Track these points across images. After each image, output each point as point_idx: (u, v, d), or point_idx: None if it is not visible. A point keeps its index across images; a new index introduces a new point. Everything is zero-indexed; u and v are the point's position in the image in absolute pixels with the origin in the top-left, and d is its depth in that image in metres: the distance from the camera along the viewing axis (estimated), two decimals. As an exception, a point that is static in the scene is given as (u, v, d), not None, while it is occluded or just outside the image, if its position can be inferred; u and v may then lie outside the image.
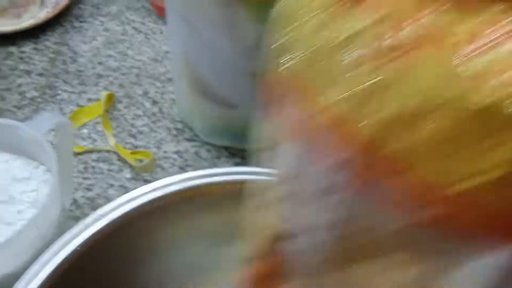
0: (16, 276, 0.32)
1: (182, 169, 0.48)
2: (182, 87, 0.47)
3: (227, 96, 0.43)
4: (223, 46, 0.39)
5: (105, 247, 0.30)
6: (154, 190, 0.32)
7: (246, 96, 0.43)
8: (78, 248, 0.29)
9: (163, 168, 0.48)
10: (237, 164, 0.49)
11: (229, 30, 0.38)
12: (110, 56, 0.58)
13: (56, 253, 0.28)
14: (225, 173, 0.32)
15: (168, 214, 0.32)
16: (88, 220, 0.29)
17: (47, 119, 0.36)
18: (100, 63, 0.57)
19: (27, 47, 0.58)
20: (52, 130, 0.37)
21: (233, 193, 0.30)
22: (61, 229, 0.35)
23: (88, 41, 0.60)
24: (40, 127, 0.35)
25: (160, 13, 0.63)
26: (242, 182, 0.30)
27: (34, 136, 0.35)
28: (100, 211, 0.29)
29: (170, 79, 0.56)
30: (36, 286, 0.27)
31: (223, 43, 0.38)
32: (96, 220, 0.29)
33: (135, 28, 0.62)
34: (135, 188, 0.45)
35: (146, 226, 0.31)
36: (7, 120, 0.36)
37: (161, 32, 0.62)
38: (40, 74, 0.55)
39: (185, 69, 0.44)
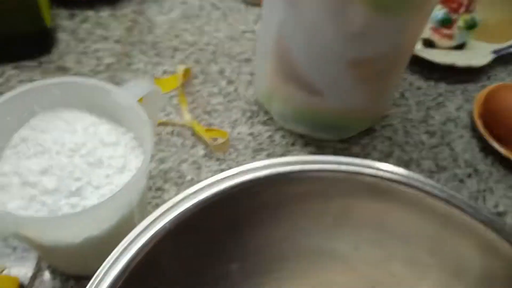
0: (100, 239, 0.32)
1: (256, 152, 0.46)
2: (265, 68, 0.45)
3: (315, 82, 0.41)
4: (325, 29, 0.37)
5: (197, 224, 0.29)
6: (250, 171, 0.31)
7: (335, 85, 0.41)
8: (167, 225, 0.27)
9: (236, 149, 0.46)
10: (312, 153, 0.47)
11: (335, 14, 0.35)
12: (186, 30, 0.57)
13: (150, 227, 0.27)
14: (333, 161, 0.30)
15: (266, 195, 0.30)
16: (181, 196, 0.28)
17: (141, 85, 0.35)
18: (176, 36, 0.56)
19: (105, 13, 0.57)
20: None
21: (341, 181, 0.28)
22: (142, 198, 0.34)
23: (165, 12, 0.59)
24: (133, 92, 0.34)
25: (239, -9, 0.61)
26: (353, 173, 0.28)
27: (128, 102, 0.34)
28: (200, 185, 0.28)
29: (247, 60, 0.54)
30: (131, 255, 0.26)
31: (326, 27, 0.36)
32: (195, 195, 0.28)
33: (213, 4, 0.61)
34: (208, 165, 0.45)
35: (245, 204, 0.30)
36: (100, 82, 0.34)
37: (239, 11, 0.61)
38: (117, 41, 0.54)
39: (275, 49, 0.42)
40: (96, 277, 0.24)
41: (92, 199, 0.31)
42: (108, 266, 0.25)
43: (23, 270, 0.36)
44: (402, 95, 0.54)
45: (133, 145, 0.35)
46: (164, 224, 0.26)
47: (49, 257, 0.35)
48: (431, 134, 0.51)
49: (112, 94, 0.34)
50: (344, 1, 0.34)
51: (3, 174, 0.32)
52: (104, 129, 0.34)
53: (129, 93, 0.34)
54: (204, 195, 0.28)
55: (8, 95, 0.33)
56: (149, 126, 0.32)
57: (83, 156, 0.32)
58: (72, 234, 0.31)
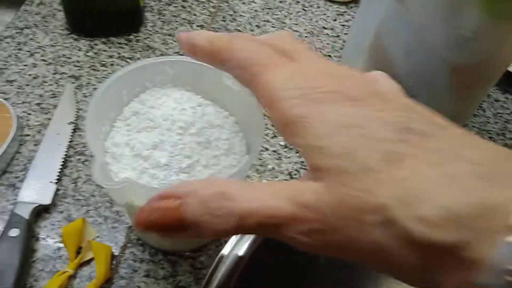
0: None
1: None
2: (356, 65, 0.45)
3: (410, 85, 0.41)
4: (434, 32, 0.36)
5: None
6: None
7: (431, 89, 0.41)
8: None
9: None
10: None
11: (448, 16, 0.35)
12: (268, 21, 0.57)
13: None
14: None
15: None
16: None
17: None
18: (258, 26, 0.56)
19: (189, -3, 0.58)
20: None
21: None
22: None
23: (247, 2, 0.59)
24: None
25: (321, -13, 0.61)
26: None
27: (238, 85, 0.34)
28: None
29: (325, 56, 0.54)
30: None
31: (435, 29, 0.36)
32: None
33: (292, -2, 0.61)
34: (288, 156, 0.45)
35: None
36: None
37: (318, 7, 0.61)
38: (201, 26, 0.55)
39: (370, 47, 0.42)
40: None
41: (200, 177, 0.32)
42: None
43: (114, 240, 0.37)
44: (480, 106, 0.54)
45: (235, 129, 0.35)
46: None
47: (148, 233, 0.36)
48: (510, 147, 0.50)
49: (224, 77, 0.35)
50: (460, 4, 0.34)
51: (116, 145, 0.32)
52: (210, 111, 0.35)
53: None
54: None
55: (123, 70, 0.33)
56: (260, 114, 0.33)
57: (192, 135, 0.33)
58: None
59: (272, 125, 0.47)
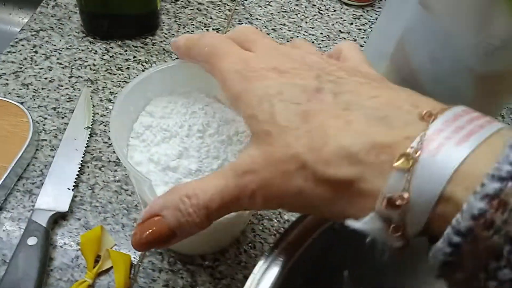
0: (232, 219, 0.32)
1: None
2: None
3: (433, 94, 0.40)
4: (462, 40, 0.35)
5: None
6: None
7: (454, 99, 0.40)
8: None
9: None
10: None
11: (478, 25, 0.34)
12: (284, 24, 0.57)
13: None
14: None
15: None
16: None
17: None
18: (274, 30, 0.56)
19: (205, 0, 0.58)
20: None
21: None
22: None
23: (263, 5, 0.59)
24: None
25: (337, -10, 0.60)
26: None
27: None
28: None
29: (345, 60, 0.54)
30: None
31: (464, 38, 0.35)
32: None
33: (308, 1, 0.61)
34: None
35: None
36: None
37: (334, 10, 0.60)
38: (217, 29, 0.54)
39: (392, 55, 0.42)
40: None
41: None
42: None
43: (132, 249, 0.36)
44: (500, 114, 0.53)
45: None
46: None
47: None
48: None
49: None
50: (490, 12, 0.33)
51: (138, 163, 0.32)
52: (219, 107, 0.34)
53: None
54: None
55: (130, 85, 0.32)
56: None
57: (212, 136, 0.32)
58: None
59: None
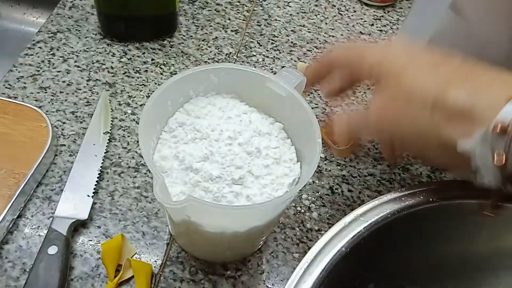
0: (259, 228, 0.31)
1: (376, 161, 0.44)
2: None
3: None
4: (497, 45, 0.34)
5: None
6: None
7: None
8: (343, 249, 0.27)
9: (356, 156, 0.45)
10: (433, 169, 0.45)
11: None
12: (303, 26, 0.55)
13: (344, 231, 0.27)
14: None
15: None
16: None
17: (294, 74, 0.34)
18: (293, 31, 0.55)
19: (223, 0, 0.57)
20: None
21: None
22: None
23: (281, 5, 0.57)
24: (289, 81, 0.33)
25: (358, -10, 0.59)
26: None
27: (286, 90, 0.32)
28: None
29: (366, 63, 0.52)
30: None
31: (498, 42, 0.34)
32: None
33: (328, 1, 0.59)
34: (328, 169, 0.43)
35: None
36: (257, 69, 0.33)
37: (355, 11, 0.59)
38: (235, 31, 0.53)
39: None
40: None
41: (253, 188, 0.30)
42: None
43: (153, 258, 0.36)
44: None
45: (282, 136, 0.34)
46: (340, 248, 0.26)
47: (196, 244, 0.35)
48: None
49: (268, 82, 0.33)
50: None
51: (164, 158, 0.31)
52: (256, 118, 0.34)
53: (285, 82, 0.33)
54: (373, 217, 0.28)
55: (170, 81, 0.32)
56: (314, 117, 0.31)
57: (241, 145, 0.31)
58: (239, 224, 0.30)
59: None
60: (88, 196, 0.37)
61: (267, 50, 0.52)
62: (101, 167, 0.39)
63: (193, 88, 0.34)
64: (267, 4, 0.57)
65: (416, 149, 0.31)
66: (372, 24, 0.57)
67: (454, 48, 0.37)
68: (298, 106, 0.32)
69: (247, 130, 0.32)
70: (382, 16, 0.59)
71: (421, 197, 0.30)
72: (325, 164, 0.43)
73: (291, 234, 0.38)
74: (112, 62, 0.47)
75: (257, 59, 0.51)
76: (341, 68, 0.34)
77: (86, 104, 0.44)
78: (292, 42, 0.53)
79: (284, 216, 0.39)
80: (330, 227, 0.39)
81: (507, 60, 0.35)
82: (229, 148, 0.31)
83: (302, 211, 0.40)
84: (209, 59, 0.50)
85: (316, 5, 0.58)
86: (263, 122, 0.34)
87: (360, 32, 0.56)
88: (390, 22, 0.58)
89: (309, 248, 0.29)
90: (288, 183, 0.31)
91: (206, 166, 0.30)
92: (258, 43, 0.52)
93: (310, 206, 0.40)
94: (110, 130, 0.42)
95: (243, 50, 0.51)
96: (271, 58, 0.51)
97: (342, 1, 0.60)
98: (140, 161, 0.41)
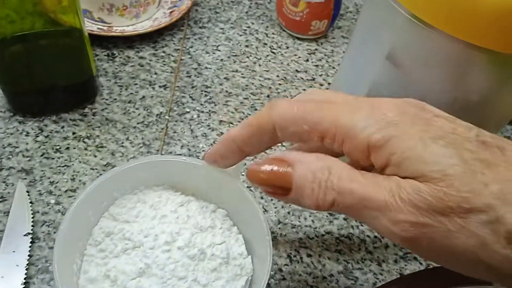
0: None
1: (331, 215, 0.42)
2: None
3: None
4: (438, 96, 0.32)
5: None
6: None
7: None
8: None
9: (311, 213, 0.42)
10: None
11: (455, 83, 0.31)
12: (236, 71, 0.52)
13: None
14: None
15: None
16: None
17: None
18: (226, 79, 0.51)
19: (146, 52, 0.52)
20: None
21: None
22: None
23: (210, 50, 0.54)
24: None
25: (287, 26, 0.56)
26: None
27: (220, 171, 0.29)
28: None
29: (307, 105, 0.50)
30: None
31: (439, 94, 0.32)
32: None
33: (258, 40, 0.56)
34: (283, 233, 0.40)
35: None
36: (188, 158, 0.30)
37: (287, 47, 0.56)
38: (164, 86, 0.49)
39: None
40: None
41: None
42: None
43: None
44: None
45: (228, 225, 0.30)
46: None
47: None
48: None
49: (202, 169, 0.29)
50: (468, 70, 0.30)
51: (92, 280, 0.27)
52: (195, 210, 0.30)
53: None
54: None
55: (88, 189, 0.28)
56: (256, 205, 0.28)
57: (182, 249, 0.27)
58: None
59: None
60: (13, 320, 0.32)
61: (201, 104, 0.48)
62: (25, 278, 0.34)
63: (117, 188, 0.29)
64: (194, 51, 0.53)
65: (465, 271, 0.21)
66: (307, 60, 0.55)
67: (394, 97, 0.35)
68: (239, 193, 0.29)
69: (186, 228, 0.28)
70: (316, 49, 0.57)
71: None
72: (279, 228, 0.40)
73: None
74: (27, 143, 0.42)
75: (192, 116, 0.47)
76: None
77: (0, 200, 0.38)
78: (226, 91, 0.50)
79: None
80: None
81: (450, 110, 0.33)
82: (168, 255, 0.27)
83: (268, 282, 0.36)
84: (138, 123, 0.45)
85: (247, 46, 0.55)
86: (203, 213, 0.30)
87: (296, 70, 0.53)
88: (325, 55, 0.56)
89: None
90: (241, 285, 0.27)
91: (143, 283, 0.26)
92: (190, 97, 0.48)
93: (269, 282, 0.37)
94: (32, 228, 0.36)
95: (175, 108, 0.47)
96: (207, 113, 0.47)
97: (273, 38, 0.57)
98: (72, 262, 0.35)
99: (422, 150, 0.19)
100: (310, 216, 0.41)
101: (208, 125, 0.46)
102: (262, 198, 0.41)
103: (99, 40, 0.51)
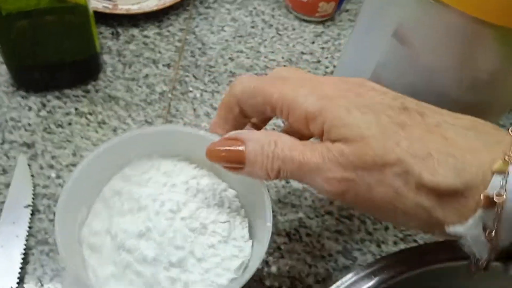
0: None
1: (332, 197, 0.42)
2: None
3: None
4: (446, 75, 0.32)
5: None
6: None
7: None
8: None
9: (313, 193, 0.41)
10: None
11: (463, 61, 0.31)
12: (241, 51, 0.52)
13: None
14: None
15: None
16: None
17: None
18: (231, 59, 0.51)
19: (150, 31, 0.52)
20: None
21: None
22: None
23: (215, 31, 0.53)
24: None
25: (294, 7, 0.56)
26: None
27: None
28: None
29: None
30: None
31: (448, 73, 0.32)
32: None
33: (264, 21, 0.56)
34: (283, 212, 0.40)
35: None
36: (205, 133, 0.30)
37: (293, 29, 0.56)
38: (167, 65, 0.49)
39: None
40: None
41: (194, 273, 0.26)
42: None
43: None
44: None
45: (235, 206, 0.30)
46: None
47: None
48: None
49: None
50: (476, 48, 0.30)
51: (95, 233, 0.27)
52: (206, 185, 0.30)
53: None
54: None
55: (106, 145, 0.28)
56: (266, 195, 0.27)
57: (184, 219, 0.27)
58: None
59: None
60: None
61: (204, 84, 0.48)
62: (24, 248, 0.34)
63: (134, 151, 0.30)
64: (199, 31, 0.53)
65: (386, 219, 0.26)
66: (313, 42, 0.54)
67: (402, 77, 0.35)
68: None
69: (193, 201, 0.28)
70: (323, 32, 0.56)
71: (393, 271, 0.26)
72: (279, 208, 0.40)
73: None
74: (29, 118, 0.42)
75: (195, 95, 0.46)
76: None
77: (1, 173, 0.38)
78: (230, 72, 0.49)
79: (240, 277, 0.35)
80: (291, 283, 0.36)
81: (458, 88, 0.33)
82: (170, 223, 0.27)
83: (260, 267, 0.36)
84: (140, 100, 0.45)
85: (253, 27, 0.55)
86: (213, 190, 0.30)
87: (302, 52, 0.53)
88: (332, 38, 0.55)
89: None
90: (235, 267, 0.27)
91: (141, 245, 0.26)
92: (194, 76, 0.48)
93: (267, 260, 0.37)
94: (33, 201, 0.37)
95: (178, 87, 0.47)
96: (210, 92, 0.47)
97: (279, 19, 0.56)
98: (71, 235, 0.36)
99: (346, 117, 0.23)
100: (310, 196, 0.41)
101: (211, 105, 0.46)
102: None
103: (104, 18, 0.51)
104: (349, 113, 0.23)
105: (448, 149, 0.21)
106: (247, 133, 0.25)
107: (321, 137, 0.24)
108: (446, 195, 0.21)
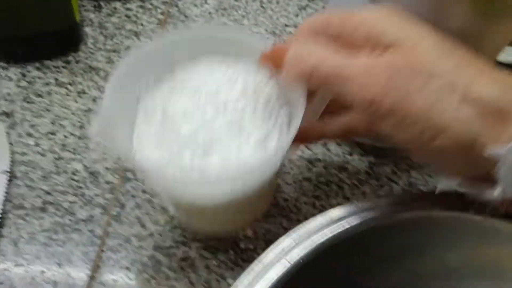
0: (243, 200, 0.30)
1: (311, 163, 0.42)
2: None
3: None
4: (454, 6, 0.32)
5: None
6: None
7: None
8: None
9: (290, 160, 0.42)
10: (371, 164, 0.42)
11: (435, 17, 0.31)
12: (224, 24, 0.52)
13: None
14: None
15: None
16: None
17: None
18: (213, 31, 0.51)
19: (133, 4, 0.52)
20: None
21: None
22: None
23: (199, 3, 0.53)
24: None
25: (278, -21, 0.56)
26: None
27: None
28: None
29: (293, 58, 0.49)
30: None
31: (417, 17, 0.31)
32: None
33: (248, -6, 0.56)
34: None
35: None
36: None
37: (277, 2, 0.55)
38: (150, 38, 0.49)
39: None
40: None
41: (214, 165, 0.27)
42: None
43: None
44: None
45: (281, 121, 0.30)
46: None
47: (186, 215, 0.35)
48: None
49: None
50: (448, 4, 0.30)
51: (146, 111, 0.29)
52: (261, 82, 0.30)
53: None
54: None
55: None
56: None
57: (226, 115, 0.28)
58: (220, 196, 0.29)
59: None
60: (-14, 249, 0.32)
61: (185, 55, 0.48)
62: (1, 212, 0.34)
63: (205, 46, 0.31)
64: (182, 4, 0.53)
65: (414, 139, 0.22)
66: (297, 15, 0.54)
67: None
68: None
69: (250, 103, 0.29)
70: (307, 4, 0.56)
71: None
72: (257, 174, 0.40)
73: (224, 259, 0.35)
74: (9, 88, 0.42)
75: (176, 66, 0.46)
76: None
77: (-20, 140, 0.39)
78: (212, 43, 0.49)
79: (215, 239, 0.36)
80: (267, 245, 0.36)
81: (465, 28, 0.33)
82: (215, 115, 0.28)
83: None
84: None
85: (236, 0, 0.55)
86: (270, 101, 0.30)
87: (285, 24, 0.53)
88: (316, 11, 0.55)
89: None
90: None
91: (183, 126, 0.28)
92: (175, 48, 0.48)
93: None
94: (11, 167, 0.37)
95: (159, 58, 0.47)
96: (191, 63, 0.47)
97: (263, -8, 0.56)
98: (47, 199, 0.36)
99: (404, 22, 0.24)
100: (289, 163, 0.41)
101: (192, 75, 0.46)
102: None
103: (86, -8, 0.51)
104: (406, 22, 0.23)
105: (497, 75, 0.22)
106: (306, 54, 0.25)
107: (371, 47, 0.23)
108: (489, 113, 0.21)
